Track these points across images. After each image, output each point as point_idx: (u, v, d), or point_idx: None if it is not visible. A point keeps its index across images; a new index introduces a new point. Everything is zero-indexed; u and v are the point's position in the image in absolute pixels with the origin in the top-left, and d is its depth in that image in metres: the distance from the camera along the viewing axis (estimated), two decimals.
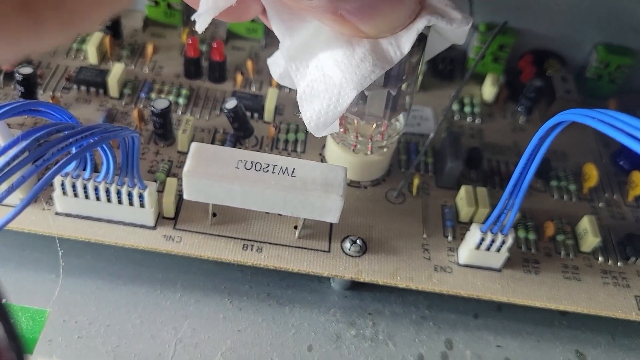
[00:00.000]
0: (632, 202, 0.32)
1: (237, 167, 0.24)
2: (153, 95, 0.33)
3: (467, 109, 0.35)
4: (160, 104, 0.29)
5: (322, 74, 0.19)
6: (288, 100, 0.34)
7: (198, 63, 0.34)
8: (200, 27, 0.17)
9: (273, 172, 0.24)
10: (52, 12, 0.10)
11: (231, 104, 0.30)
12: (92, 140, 0.20)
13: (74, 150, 0.20)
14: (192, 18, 0.16)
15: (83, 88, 0.32)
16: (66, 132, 0.20)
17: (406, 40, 0.19)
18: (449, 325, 0.28)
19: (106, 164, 0.24)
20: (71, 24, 0.10)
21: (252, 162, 0.24)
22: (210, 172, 0.23)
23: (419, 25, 0.19)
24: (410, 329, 0.27)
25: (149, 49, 0.35)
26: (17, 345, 0.14)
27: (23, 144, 0.19)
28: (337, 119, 0.20)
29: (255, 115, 0.33)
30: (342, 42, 0.18)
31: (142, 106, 0.32)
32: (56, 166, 0.19)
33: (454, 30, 0.19)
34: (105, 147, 0.23)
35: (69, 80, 0.33)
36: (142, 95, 0.33)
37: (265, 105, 0.32)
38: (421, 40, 0.22)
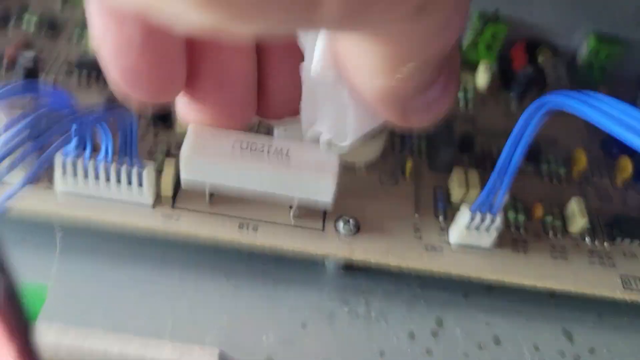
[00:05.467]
0: (620, 185, 0.32)
1: (233, 148, 0.24)
2: None
3: (459, 95, 0.36)
4: None
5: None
6: None
7: None
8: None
9: (268, 152, 0.24)
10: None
11: None
12: (92, 118, 0.21)
13: (74, 128, 0.21)
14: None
15: (84, 72, 0.33)
16: (66, 110, 0.20)
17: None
18: (440, 304, 0.29)
19: (105, 144, 0.25)
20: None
21: (248, 143, 0.24)
22: (208, 153, 0.24)
23: None
24: (402, 307, 0.28)
25: None
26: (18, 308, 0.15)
27: (24, 122, 0.19)
28: None
29: None
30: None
31: None
32: (57, 142, 0.20)
33: None
34: (105, 126, 0.24)
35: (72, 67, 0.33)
36: None
37: None
38: None
